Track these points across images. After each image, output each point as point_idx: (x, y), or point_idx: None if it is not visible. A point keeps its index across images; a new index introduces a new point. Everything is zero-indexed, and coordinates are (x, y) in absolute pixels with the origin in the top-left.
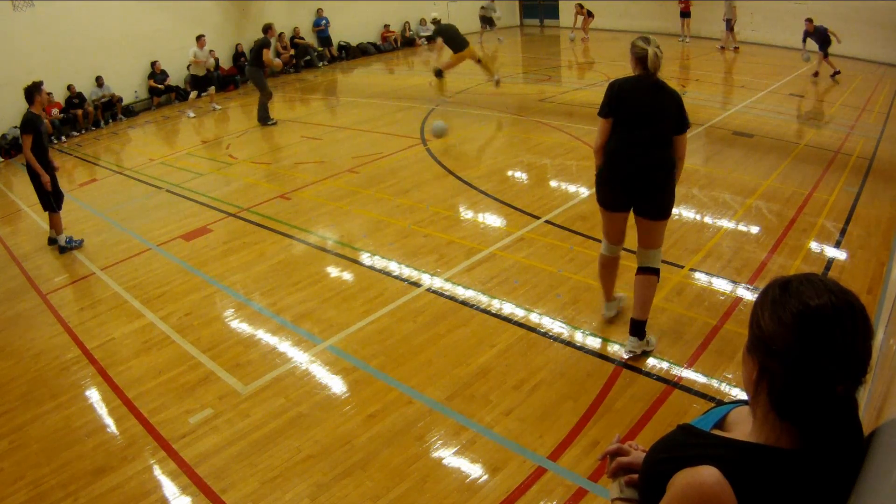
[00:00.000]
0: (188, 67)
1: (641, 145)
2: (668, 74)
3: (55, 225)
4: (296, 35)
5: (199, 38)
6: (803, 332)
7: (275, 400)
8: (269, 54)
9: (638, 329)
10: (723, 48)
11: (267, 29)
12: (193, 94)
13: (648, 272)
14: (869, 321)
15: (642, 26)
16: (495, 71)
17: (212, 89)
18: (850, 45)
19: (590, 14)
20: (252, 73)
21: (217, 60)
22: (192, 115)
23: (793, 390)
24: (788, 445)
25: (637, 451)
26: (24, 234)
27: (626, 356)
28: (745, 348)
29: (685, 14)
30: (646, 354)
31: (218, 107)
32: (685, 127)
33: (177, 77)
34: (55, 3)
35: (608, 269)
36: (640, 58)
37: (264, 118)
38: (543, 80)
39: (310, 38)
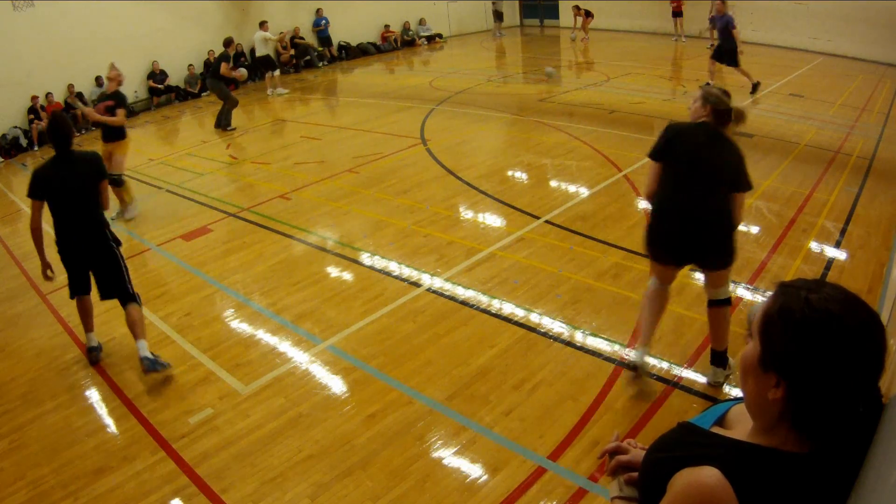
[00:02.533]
0: (259, 48)
1: (692, 201)
2: (666, 74)
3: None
4: (296, 35)
5: (263, 24)
6: (832, 349)
7: (275, 400)
8: (226, 67)
9: (719, 359)
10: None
11: (228, 43)
12: (269, 74)
13: (717, 304)
14: (885, 329)
15: (641, 26)
16: (131, 200)
17: (277, 73)
18: (850, 45)
19: (588, 14)
20: (212, 84)
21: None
22: (282, 91)
23: (821, 407)
24: (793, 449)
25: (636, 450)
26: (24, 234)
27: (709, 383)
28: (757, 364)
29: (677, 13)
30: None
31: (284, 91)
32: (746, 187)
33: (176, 77)
34: (55, 3)
35: (654, 301)
36: (720, 111)
37: (226, 125)
38: (543, 80)
39: (310, 38)
